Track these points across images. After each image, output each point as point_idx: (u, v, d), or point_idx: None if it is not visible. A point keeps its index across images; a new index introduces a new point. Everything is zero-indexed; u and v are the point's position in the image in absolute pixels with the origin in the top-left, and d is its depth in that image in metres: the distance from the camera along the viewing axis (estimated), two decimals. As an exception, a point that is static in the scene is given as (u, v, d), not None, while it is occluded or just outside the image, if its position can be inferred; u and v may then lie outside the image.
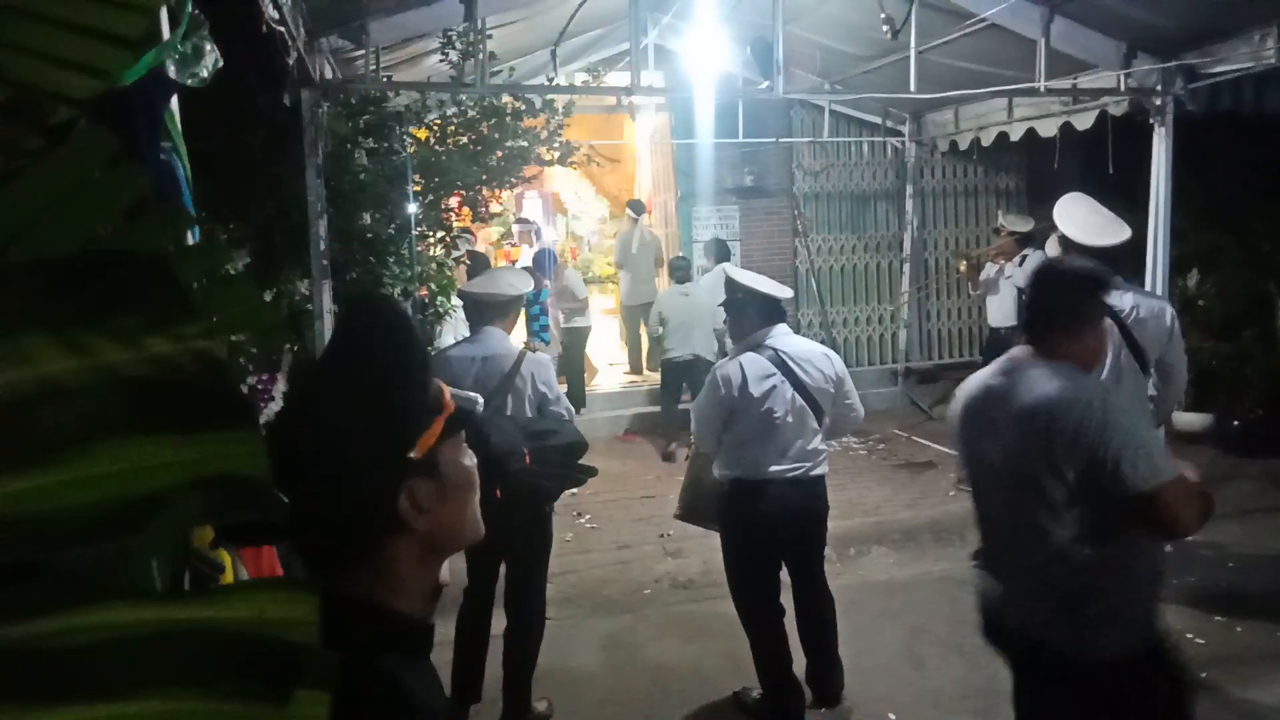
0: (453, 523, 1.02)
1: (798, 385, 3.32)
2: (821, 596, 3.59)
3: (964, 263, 7.78)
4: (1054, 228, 3.71)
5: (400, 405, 0.97)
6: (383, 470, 0.96)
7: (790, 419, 3.32)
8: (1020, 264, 7.23)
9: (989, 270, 7.36)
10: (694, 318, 7.32)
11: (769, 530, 3.39)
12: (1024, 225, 7.53)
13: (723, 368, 3.42)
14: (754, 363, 3.34)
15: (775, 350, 3.35)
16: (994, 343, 7.43)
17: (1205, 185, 6.96)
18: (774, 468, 3.33)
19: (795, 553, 3.52)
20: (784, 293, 3.51)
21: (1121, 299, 3.53)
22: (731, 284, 3.50)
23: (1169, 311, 3.64)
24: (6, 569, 0.53)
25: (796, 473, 3.35)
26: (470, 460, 1.04)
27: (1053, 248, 4.58)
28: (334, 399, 1.00)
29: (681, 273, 7.68)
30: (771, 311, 3.43)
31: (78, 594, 0.52)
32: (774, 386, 3.31)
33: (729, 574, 3.57)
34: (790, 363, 3.33)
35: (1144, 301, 3.62)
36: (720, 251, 7.83)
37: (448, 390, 1.03)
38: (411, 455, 0.97)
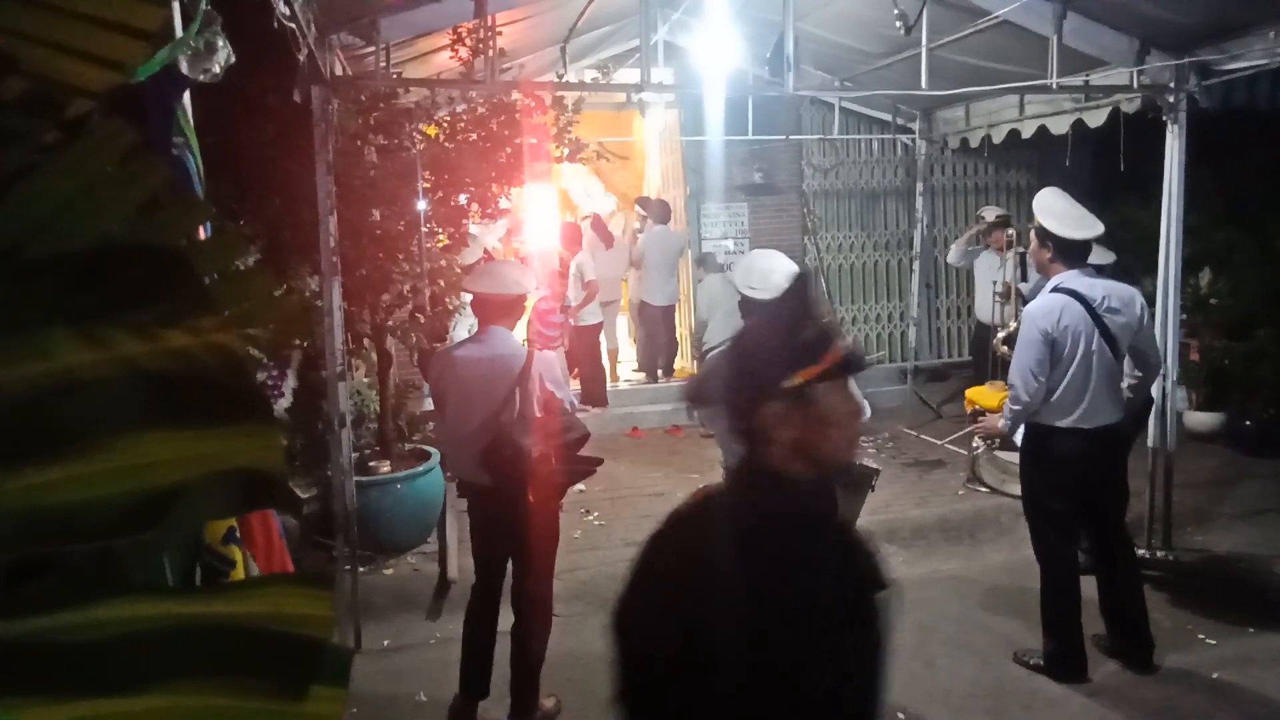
0: (813, 443, 1.32)
1: (1104, 332, 3.59)
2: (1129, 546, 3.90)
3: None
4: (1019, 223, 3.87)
5: (780, 347, 1.33)
6: (760, 385, 1.32)
7: (1103, 366, 3.61)
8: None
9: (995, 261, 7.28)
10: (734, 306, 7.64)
11: (1079, 473, 3.69)
12: (990, 215, 7.43)
13: (1039, 311, 3.64)
14: (1070, 308, 3.59)
15: (1080, 294, 3.59)
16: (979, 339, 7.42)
17: (1220, 183, 6.90)
18: (1098, 420, 3.63)
19: (1108, 495, 3.80)
20: (1091, 232, 3.64)
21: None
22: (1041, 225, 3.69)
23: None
24: (25, 563, 0.52)
25: (1108, 420, 3.65)
26: (843, 405, 1.34)
27: (1027, 243, 4.63)
28: (755, 329, 1.53)
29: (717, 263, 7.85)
30: (1080, 252, 3.65)
31: (94, 588, 0.51)
32: (1084, 331, 3.58)
33: (1035, 518, 3.86)
34: (1097, 309, 3.59)
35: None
36: (711, 264, 7.95)
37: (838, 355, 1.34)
38: (784, 384, 1.29)
